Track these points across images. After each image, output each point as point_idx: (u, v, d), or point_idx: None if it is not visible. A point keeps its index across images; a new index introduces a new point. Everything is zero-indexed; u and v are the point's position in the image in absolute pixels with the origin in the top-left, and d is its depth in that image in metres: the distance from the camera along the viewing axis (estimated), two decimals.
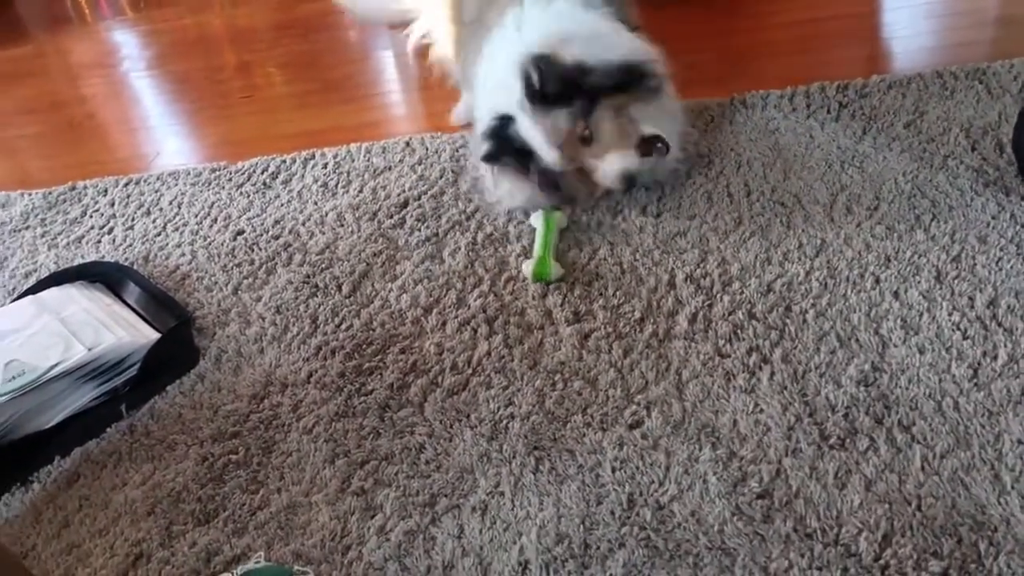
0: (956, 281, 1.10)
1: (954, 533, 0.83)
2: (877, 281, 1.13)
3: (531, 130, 1.29)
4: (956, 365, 0.99)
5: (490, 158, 1.35)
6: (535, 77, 1.24)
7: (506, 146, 1.33)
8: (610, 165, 1.28)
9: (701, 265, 1.22)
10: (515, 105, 1.29)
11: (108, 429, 1.16)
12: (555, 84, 1.24)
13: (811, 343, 1.06)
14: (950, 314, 1.06)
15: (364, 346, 1.20)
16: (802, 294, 1.14)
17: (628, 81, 1.28)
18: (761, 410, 0.99)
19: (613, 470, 0.96)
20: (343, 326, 1.25)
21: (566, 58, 1.26)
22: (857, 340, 1.05)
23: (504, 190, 1.41)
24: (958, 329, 1.04)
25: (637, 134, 1.28)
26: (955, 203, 1.23)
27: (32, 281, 1.48)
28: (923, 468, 0.89)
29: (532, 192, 1.36)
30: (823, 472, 0.91)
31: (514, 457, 1.00)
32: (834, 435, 0.94)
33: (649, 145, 1.27)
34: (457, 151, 1.61)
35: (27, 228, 1.69)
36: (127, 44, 2.84)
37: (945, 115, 1.42)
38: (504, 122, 1.32)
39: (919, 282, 1.11)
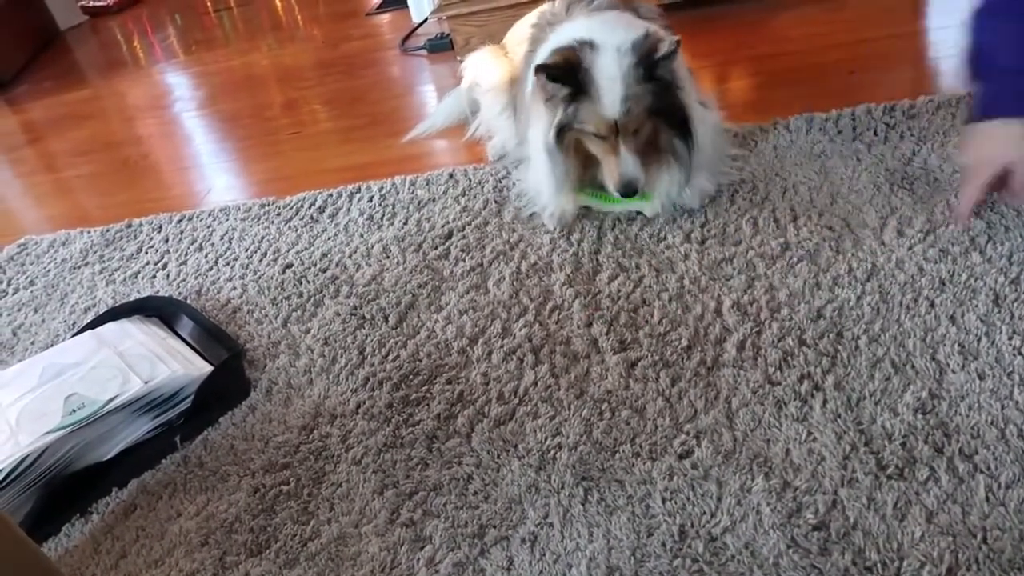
0: (1016, 304, 1.07)
1: (1023, 567, 0.80)
2: (932, 305, 1.10)
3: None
4: (1019, 391, 0.96)
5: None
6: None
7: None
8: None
9: (748, 291, 1.21)
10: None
11: (163, 460, 1.18)
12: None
13: (865, 370, 1.04)
14: (1010, 338, 1.03)
15: (411, 377, 1.21)
16: (854, 320, 1.11)
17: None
18: (815, 439, 0.97)
19: (663, 501, 0.94)
20: (390, 357, 1.26)
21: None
22: (913, 366, 1.03)
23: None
24: (1019, 354, 1.00)
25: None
26: (1011, 224, 1.20)
27: (91, 316, 1.53)
28: (988, 499, 0.86)
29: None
30: (881, 503, 0.88)
31: (562, 487, 0.99)
32: (892, 464, 0.92)
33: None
34: (500, 182, 1.63)
35: (86, 265, 1.74)
36: (179, 85, 2.95)
37: None
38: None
39: (976, 306, 1.08)
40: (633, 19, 1.42)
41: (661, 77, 1.30)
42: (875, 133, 1.48)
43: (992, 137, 1.18)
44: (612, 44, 1.29)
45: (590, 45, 1.30)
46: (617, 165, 1.32)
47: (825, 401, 1.01)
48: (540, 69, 1.31)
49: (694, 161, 1.36)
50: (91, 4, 4.33)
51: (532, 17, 1.61)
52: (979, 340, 1.04)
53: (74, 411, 1.16)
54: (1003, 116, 1.16)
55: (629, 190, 1.33)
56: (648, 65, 1.28)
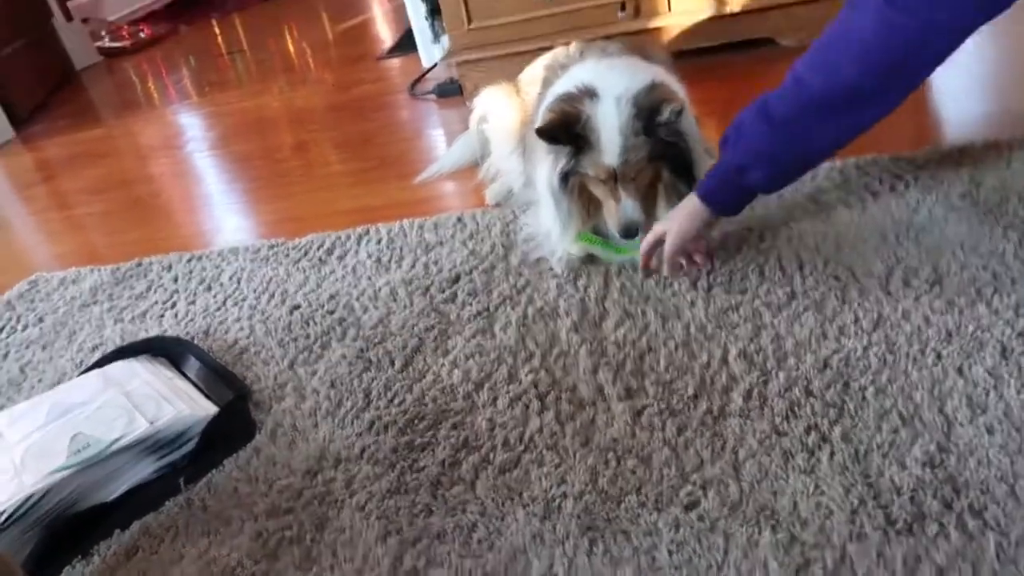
0: (1023, 357, 1.07)
1: None
2: (939, 357, 1.10)
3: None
4: None
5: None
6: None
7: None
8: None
9: (755, 340, 1.21)
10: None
11: (166, 503, 1.17)
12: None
13: (872, 422, 1.03)
14: (1019, 392, 1.02)
15: (416, 421, 1.21)
16: (860, 370, 1.11)
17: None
18: (822, 492, 0.96)
19: (670, 553, 0.93)
20: (396, 401, 1.26)
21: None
22: (920, 419, 1.02)
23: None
24: None
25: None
26: (1017, 275, 1.20)
27: (98, 355, 1.53)
28: (998, 556, 0.85)
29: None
30: (891, 558, 0.87)
31: (567, 538, 0.98)
32: (901, 519, 0.91)
33: None
34: (507, 226, 1.64)
35: (95, 303, 1.75)
36: (192, 126, 3.00)
37: (1002, 185, 1.40)
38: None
39: (984, 358, 1.08)
40: (643, 66, 1.44)
41: (663, 133, 1.33)
42: (880, 182, 1.49)
43: (677, 209, 1.34)
44: (613, 94, 1.32)
45: (592, 93, 1.33)
46: (617, 209, 1.35)
47: (832, 453, 1.00)
48: (539, 134, 1.34)
49: None
50: (107, 45, 4.42)
51: (546, 58, 1.64)
52: (987, 393, 1.03)
53: (79, 451, 1.16)
54: (700, 196, 1.30)
55: (630, 233, 1.36)
56: (648, 122, 1.31)
